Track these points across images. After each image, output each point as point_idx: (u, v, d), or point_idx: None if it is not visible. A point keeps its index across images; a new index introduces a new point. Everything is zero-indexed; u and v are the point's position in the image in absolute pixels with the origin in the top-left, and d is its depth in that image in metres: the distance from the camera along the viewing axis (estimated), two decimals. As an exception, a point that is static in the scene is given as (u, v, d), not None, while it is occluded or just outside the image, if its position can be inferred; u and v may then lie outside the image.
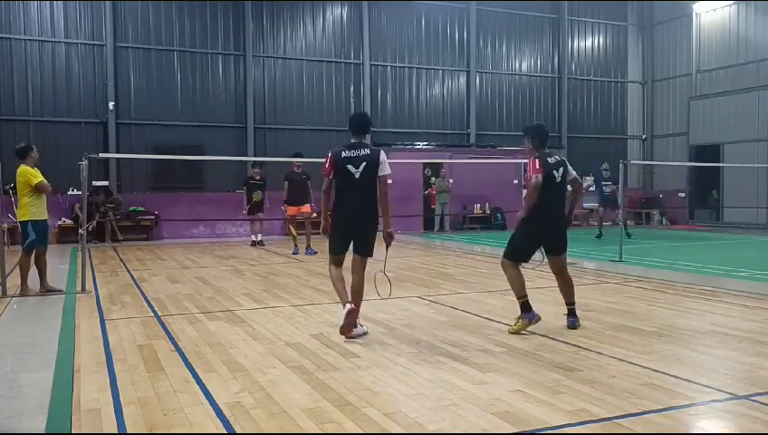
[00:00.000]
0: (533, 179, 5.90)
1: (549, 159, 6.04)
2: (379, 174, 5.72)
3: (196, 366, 4.99)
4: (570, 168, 6.21)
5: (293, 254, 13.27)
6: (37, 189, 8.26)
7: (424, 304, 7.63)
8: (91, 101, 17.40)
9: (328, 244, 6.05)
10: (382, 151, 5.84)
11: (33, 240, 8.32)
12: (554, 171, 6.01)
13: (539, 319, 5.99)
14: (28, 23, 16.81)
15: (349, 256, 6.02)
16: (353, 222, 5.81)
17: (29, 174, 8.22)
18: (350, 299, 5.80)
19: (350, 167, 5.70)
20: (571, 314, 6.24)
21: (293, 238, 13.77)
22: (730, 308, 7.25)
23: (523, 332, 5.98)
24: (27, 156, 8.35)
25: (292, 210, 13.54)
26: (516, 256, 6.13)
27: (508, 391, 4.32)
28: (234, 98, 18.78)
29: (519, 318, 6.05)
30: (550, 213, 6.04)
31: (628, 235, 16.32)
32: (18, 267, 8.53)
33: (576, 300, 6.35)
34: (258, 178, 15.22)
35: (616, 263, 11.28)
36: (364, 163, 5.68)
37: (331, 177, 5.79)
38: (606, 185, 17.08)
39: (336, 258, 5.98)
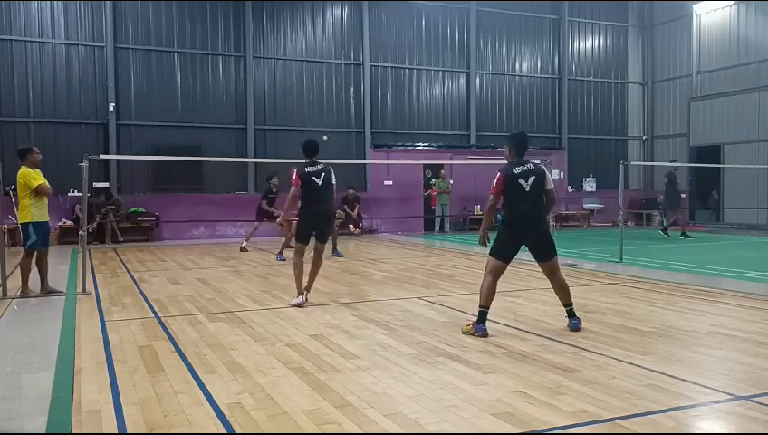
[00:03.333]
0: (489, 199, 6.14)
1: (515, 169, 6.03)
2: (333, 181, 7.69)
3: (196, 367, 4.99)
4: (548, 178, 6.14)
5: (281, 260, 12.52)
6: (37, 192, 8.26)
7: (424, 305, 7.63)
8: (92, 102, 17.39)
9: (296, 235, 7.88)
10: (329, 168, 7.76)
11: (35, 242, 8.32)
12: (521, 180, 5.99)
13: (485, 335, 5.90)
14: (28, 23, 16.80)
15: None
16: (321, 217, 7.72)
17: (29, 176, 8.21)
18: (305, 288, 7.68)
19: (314, 178, 7.55)
20: (571, 315, 6.23)
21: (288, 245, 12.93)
22: (730, 309, 7.25)
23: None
24: (28, 157, 8.34)
25: None
26: (498, 253, 6.10)
27: (509, 392, 4.32)
28: (234, 99, 18.78)
29: (472, 324, 6.06)
30: (520, 221, 6.05)
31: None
32: (19, 269, 8.53)
33: (575, 301, 6.34)
34: (275, 190, 14.17)
35: (616, 263, 11.29)
36: (324, 174, 7.60)
37: (299, 186, 7.57)
38: (678, 182, 16.88)
39: (302, 247, 7.70)
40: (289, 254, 13.28)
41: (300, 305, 7.47)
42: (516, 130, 21.34)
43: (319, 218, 7.67)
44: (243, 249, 14.29)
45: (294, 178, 7.59)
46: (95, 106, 17.40)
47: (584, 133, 23.22)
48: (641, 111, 24.27)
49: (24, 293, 8.33)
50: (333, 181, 7.69)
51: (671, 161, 18.71)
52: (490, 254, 6.18)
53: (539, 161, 6.58)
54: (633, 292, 8.45)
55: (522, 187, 6.00)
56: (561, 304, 6.33)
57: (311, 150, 7.74)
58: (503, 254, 6.10)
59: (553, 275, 6.22)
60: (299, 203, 7.71)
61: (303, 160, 7.77)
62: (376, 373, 4.79)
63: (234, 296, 8.35)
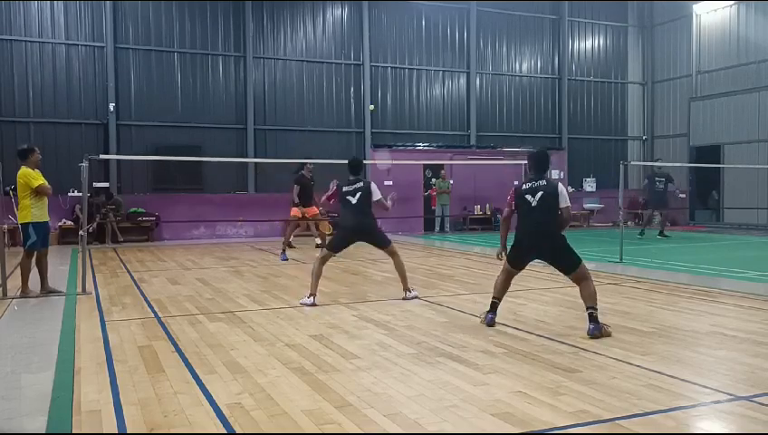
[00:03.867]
0: (504, 212, 6.55)
1: (525, 185, 6.23)
2: (374, 199, 7.87)
3: (196, 367, 4.99)
4: (563, 195, 6.08)
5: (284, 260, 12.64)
6: (38, 192, 8.25)
7: (424, 306, 7.63)
8: (92, 102, 17.40)
9: (329, 242, 8.37)
10: (372, 183, 8.03)
11: (35, 242, 8.31)
12: (527, 195, 6.15)
13: (490, 325, 6.32)
14: (28, 23, 16.81)
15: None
16: (356, 232, 7.95)
17: (29, 176, 8.20)
18: (403, 288, 8.08)
19: (348, 197, 7.82)
20: (591, 319, 5.92)
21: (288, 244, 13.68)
22: (730, 309, 7.25)
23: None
24: (29, 158, 8.34)
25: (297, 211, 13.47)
26: (510, 259, 6.38)
27: (509, 392, 4.32)
28: (234, 99, 18.78)
29: (485, 312, 6.49)
30: (524, 235, 6.21)
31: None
32: (19, 269, 8.53)
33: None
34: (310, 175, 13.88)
35: (616, 263, 11.28)
36: (359, 193, 7.80)
37: (332, 202, 8.40)
38: (660, 181, 16.71)
39: (330, 254, 8.03)
40: (291, 253, 13.37)
41: (311, 305, 7.60)
42: (520, 128, 21.60)
43: (354, 233, 7.95)
44: (290, 246, 13.90)
45: (330, 193, 8.35)
46: (95, 106, 17.40)
47: (584, 133, 23.22)
48: (641, 111, 24.27)
49: (24, 293, 8.32)
50: (375, 198, 7.85)
51: (655, 160, 18.64)
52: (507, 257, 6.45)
53: (556, 178, 6.66)
54: (633, 292, 8.45)
55: (527, 201, 6.14)
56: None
57: (353, 169, 8.07)
58: (512, 261, 6.36)
59: (579, 283, 6.09)
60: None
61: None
62: (376, 373, 4.79)
63: (234, 296, 8.35)
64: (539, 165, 6.33)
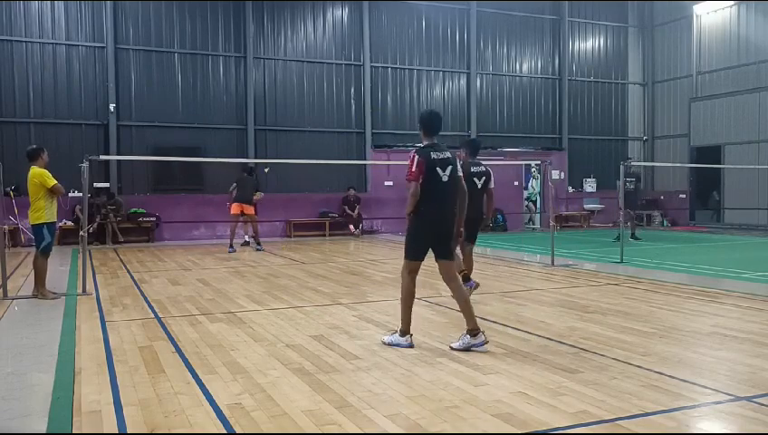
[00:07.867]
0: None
1: (473, 168, 7.10)
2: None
3: (196, 368, 4.99)
4: (492, 177, 7.46)
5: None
6: (52, 192, 8.22)
7: (424, 306, 7.62)
8: (92, 102, 17.38)
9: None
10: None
11: (50, 243, 8.27)
12: (474, 178, 7.17)
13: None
14: (29, 24, 16.80)
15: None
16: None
17: (45, 176, 8.14)
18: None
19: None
20: (467, 278, 7.35)
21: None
22: (730, 309, 7.25)
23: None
24: (38, 158, 8.30)
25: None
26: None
27: (509, 393, 4.32)
28: (234, 99, 18.76)
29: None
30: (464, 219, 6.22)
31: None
32: (34, 271, 8.39)
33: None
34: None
35: (617, 264, 11.28)
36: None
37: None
38: (630, 181, 16.34)
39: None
40: (291, 254, 13.40)
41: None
42: (521, 128, 21.62)
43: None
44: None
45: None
46: (95, 107, 17.38)
47: (584, 134, 23.20)
48: (642, 111, 24.26)
49: (44, 295, 8.19)
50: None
51: (626, 159, 18.50)
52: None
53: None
54: (633, 292, 8.44)
55: (474, 184, 7.15)
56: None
57: (474, 150, 8.04)
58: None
59: (468, 255, 7.72)
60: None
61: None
62: (376, 374, 4.79)
63: (234, 297, 8.35)
64: (477, 150, 7.80)
